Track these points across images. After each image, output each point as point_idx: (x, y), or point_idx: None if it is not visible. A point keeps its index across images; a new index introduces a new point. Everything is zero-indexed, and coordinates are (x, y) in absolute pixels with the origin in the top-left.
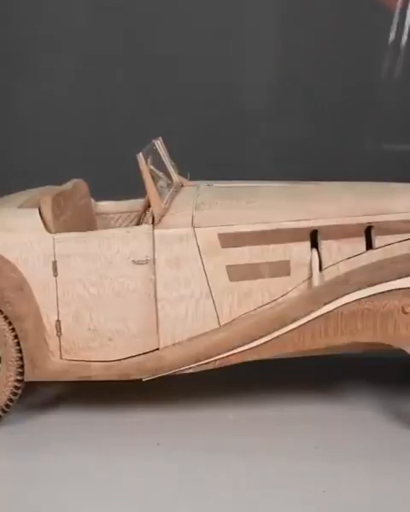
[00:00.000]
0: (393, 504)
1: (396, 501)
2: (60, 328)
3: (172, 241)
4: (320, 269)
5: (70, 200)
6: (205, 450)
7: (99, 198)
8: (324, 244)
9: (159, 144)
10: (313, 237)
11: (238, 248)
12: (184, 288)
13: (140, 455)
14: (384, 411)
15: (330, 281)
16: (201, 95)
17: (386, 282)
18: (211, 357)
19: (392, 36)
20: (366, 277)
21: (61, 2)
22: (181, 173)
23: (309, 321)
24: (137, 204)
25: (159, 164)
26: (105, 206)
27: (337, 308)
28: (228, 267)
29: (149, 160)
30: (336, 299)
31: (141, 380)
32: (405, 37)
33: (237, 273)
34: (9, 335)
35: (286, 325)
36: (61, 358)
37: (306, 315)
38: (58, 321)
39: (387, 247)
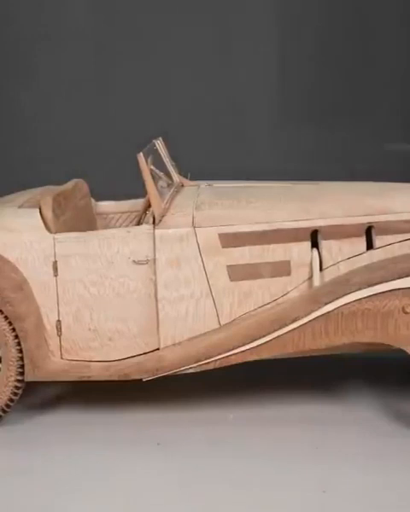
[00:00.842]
0: (393, 504)
1: (396, 501)
2: (60, 328)
3: (173, 241)
4: (321, 269)
5: (70, 200)
6: (205, 450)
7: (99, 198)
8: (324, 244)
9: (159, 144)
10: (314, 237)
11: (239, 248)
12: (185, 288)
13: (140, 455)
14: (384, 411)
15: (331, 281)
16: (201, 95)
17: (386, 282)
18: (211, 357)
19: None
20: (366, 277)
21: (61, 2)
22: (181, 173)
23: (309, 321)
24: (137, 204)
25: (159, 164)
26: (105, 206)
27: (338, 308)
28: (228, 267)
29: (149, 160)
30: (337, 299)
31: (141, 380)
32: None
33: (238, 273)
34: (10, 335)
35: (286, 325)
36: (61, 358)
37: (306, 315)
38: (58, 321)
39: (387, 247)
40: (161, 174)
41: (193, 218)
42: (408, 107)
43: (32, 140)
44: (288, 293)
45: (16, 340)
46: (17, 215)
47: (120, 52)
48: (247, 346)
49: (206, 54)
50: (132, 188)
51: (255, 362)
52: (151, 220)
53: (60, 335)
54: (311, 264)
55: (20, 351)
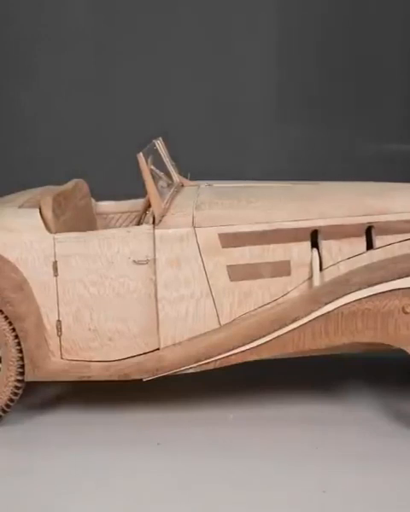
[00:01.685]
0: (393, 504)
1: (396, 501)
2: (60, 328)
3: (173, 241)
4: (321, 269)
5: (70, 200)
6: (205, 450)
7: (99, 198)
8: (324, 244)
9: (159, 144)
10: (314, 237)
11: (239, 248)
12: (185, 288)
13: (140, 455)
14: (384, 411)
15: (331, 281)
16: (201, 94)
17: (386, 282)
18: (211, 357)
19: None
20: (366, 277)
21: (61, 3)
22: (181, 173)
23: (309, 321)
24: (137, 204)
25: (159, 164)
26: (105, 206)
27: (338, 308)
28: (228, 267)
29: (149, 160)
30: (337, 299)
31: (141, 380)
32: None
33: (238, 273)
34: (10, 335)
35: (286, 325)
36: (61, 358)
37: (306, 315)
38: (58, 321)
39: (387, 247)
40: (161, 174)
41: (193, 217)
42: (408, 107)
43: (32, 140)
44: (288, 293)
45: (16, 340)
46: (17, 215)
47: (120, 52)
48: (247, 346)
49: (206, 54)
50: (132, 188)
51: (255, 362)
52: (151, 220)
53: (60, 335)
54: (311, 264)
55: (20, 351)
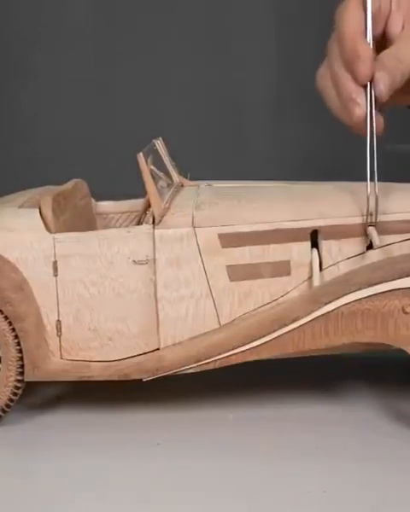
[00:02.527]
0: (393, 504)
1: (397, 501)
2: (60, 328)
3: (173, 241)
4: (321, 269)
5: (70, 200)
6: (205, 450)
7: (99, 198)
8: (324, 244)
9: (159, 144)
10: (314, 237)
11: (239, 248)
12: (185, 288)
13: (140, 455)
14: (384, 411)
15: (331, 281)
16: (201, 94)
17: (386, 282)
18: (211, 357)
19: None
20: (366, 277)
21: (61, 2)
22: (181, 173)
23: (309, 321)
24: (137, 204)
25: (159, 164)
26: (105, 206)
27: (337, 308)
28: (228, 267)
29: (149, 160)
30: (337, 299)
31: (141, 380)
32: None
33: (238, 273)
34: (9, 335)
35: (286, 325)
36: (61, 358)
37: (306, 315)
38: (58, 321)
39: (387, 247)
40: (161, 174)
41: (193, 217)
42: (408, 107)
43: (32, 140)
44: (288, 293)
45: (16, 340)
46: (17, 215)
47: (120, 52)
48: (247, 346)
49: (206, 54)
50: (132, 188)
51: (255, 362)
52: (151, 220)
53: (60, 335)
54: (311, 264)
55: (20, 351)
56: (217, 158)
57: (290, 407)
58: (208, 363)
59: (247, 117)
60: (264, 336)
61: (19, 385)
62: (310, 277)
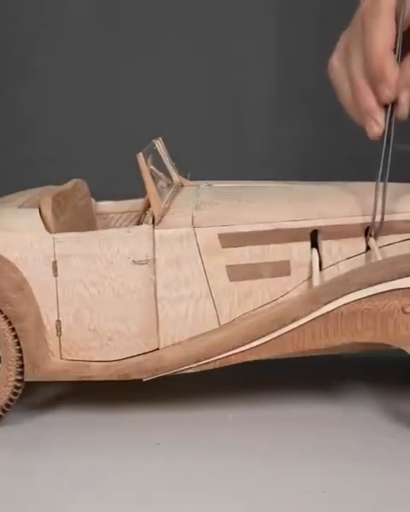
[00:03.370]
0: (393, 505)
1: (397, 501)
2: (60, 328)
3: (173, 241)
4: (320, 269)
5: (70, 200)
6: (205, 450)
7: (99, 198)
8: (324, 244)
9: (159, 144)
10: (314, 237)
11: (238, 248)
12: (185, 288)
13: (140, 455)
14: (384, 411)
15: (331, 281)
16: (201, 94)
17: (386, 282)
18: (211, 357)
19: None
20: (366, 277)
21: (61, 2)
22: (181, 173)
23: (309, 321)
24: (137, 204)
25: (159, 164)
26: (105, 206)
27: (337, 308)
28: (228, 267)
29: (149, 160)
30: (337, 299)
31: (141, 380)
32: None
33: (238, 273)
34: (9, 335)
35: (286, 325)
36: (61, 358)
37: (306, 315)
38: (58, 321)
39: (387, 247)
40: (161, 174)
41: (193, 218)
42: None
43: (32, 140)
44: (288, 293)
45: (16, 340)
46: (17, 215)
47: (120, 52)
48: (247, 346)
49: (206, 53)
50: (132, 188)
51: (255, 362)
52: (151, 220)
53: (59, 335)
54: (311, 264)
55: (20, 351)
56: (217, 158)
57: (290, 407)
58: (208, 363)
59: (247, 117)
60: (264, 336)
61: (19, 385)
62: (310, 277)
